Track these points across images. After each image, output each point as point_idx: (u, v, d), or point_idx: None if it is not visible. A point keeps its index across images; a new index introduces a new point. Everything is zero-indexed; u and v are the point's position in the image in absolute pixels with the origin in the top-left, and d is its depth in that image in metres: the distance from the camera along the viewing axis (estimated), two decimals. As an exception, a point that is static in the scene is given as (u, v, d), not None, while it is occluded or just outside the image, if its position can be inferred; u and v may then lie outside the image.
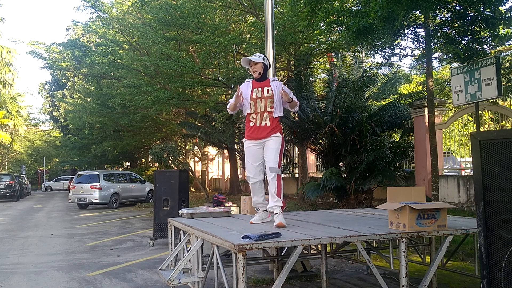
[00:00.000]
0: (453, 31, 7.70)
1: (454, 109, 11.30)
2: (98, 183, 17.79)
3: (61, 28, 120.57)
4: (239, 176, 21.84)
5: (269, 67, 4.52)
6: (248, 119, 4.33)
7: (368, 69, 12.01)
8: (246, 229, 3.65)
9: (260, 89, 4.26)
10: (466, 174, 10.21)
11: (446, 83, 14.36)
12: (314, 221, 4.32)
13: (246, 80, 4.50)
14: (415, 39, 8.46)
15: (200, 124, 18.10)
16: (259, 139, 4.23)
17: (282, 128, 4.49)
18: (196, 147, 26.75)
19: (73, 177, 44.55)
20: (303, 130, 11.48)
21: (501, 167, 2.18)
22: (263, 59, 4.35)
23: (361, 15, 7.01)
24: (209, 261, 3.94)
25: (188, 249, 4.21)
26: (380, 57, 10.75)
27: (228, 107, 4.46)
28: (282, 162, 4.37)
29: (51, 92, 42.89)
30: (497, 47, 8.48)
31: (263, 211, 4.37)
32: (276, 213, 4.05)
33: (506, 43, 7.74)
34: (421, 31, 8.38)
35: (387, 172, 9.47)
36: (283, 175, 16.74)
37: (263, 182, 4.39)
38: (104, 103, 20.89)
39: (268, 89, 4.24)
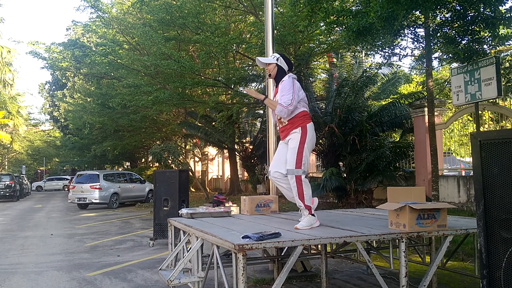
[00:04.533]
0: (453, 31, 7.70)
1: (454, 109, 11.31)
2: (98, 183, 17.78)
3: (61, 28, 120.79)
4: (239, 176, 21.84)
5: (289, 68, 4.19)
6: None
7: (368, 69, 12.02)
8: (246, 229, 3.65)
9: (274, 96, 4.21)
10: (466, 174, 10.21)
11: (446, 83, 14.36)
12: (314, 221, 4.31)
13: None
14: (415, 39, 8.46)
15: (200, 124, 18.11)
16: (283, 139, 4.12)
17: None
18: (196, 147, 26.76)
19: (68, 177, 44.44)
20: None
21: (501, 167, 2.18)
22: (277, 60, 4.14)
23: (361, 15, 7.01)
24: (209, 261, 3.94)
25: (188, 249, 4.21)
26: (380, 57, 10.77)
27: None
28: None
29: (51, 92, 42.91)
30: (497, 47, 8.48)
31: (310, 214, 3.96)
32: (302, 218, 3.89)
33: (506, 43, 7.74)
34: (421, 31, 8.39)
35: (387, 172, 9.48)
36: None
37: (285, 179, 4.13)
38: (104, 103, 20.89)
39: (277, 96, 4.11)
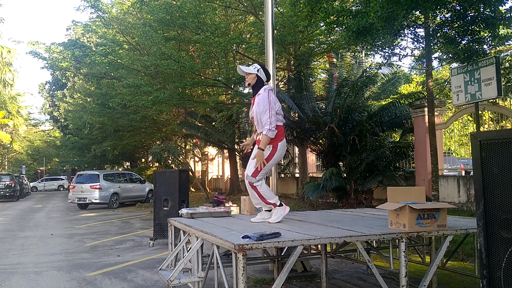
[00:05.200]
0: (453, 31, 7.70)
1: (454, 109, 11.30)
2: (98, 183, 17.78)
3: (61, 28, 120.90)
4: (239, 176, 21.84)
5: (267, 79, 4.34)
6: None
7: (368, 69, 12.02)
8: (246, 229, 3.65)
9: (252, 107, 4.32)
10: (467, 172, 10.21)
11: (446, 83, 14.36)
12: (314, 221, 4.32)
13: None
14: (415, 39, 8.46)
15: (200, 124, 18.11)
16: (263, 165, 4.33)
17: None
18: (196, 147, 26.76)
19: (64, 177, 44.31)
20: (303, 130, 11.49)
21: (501, 167, 2.18)
22: (258, 70, 4.24)
23: (361, 15, 7.01)
24: (209, 261, 3.94)
25: (188, 249, 4.21)
26: (380, 57, 10.77)
27: None
28: (281, 163, 4.27)
29: (51, 92, 42.88)
30: (497, 47, 8.49)
31: (265, 210, 4.37)
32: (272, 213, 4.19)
33: (506, 43, 7.74)
34: (421, 31, 8.39)
35: (387, 172, 9.47)
36: (282, 175, 16.84)
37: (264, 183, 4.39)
38: (104, 103, 20.89)
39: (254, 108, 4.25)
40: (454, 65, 8.67)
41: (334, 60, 14.40)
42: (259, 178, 4.18)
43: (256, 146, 4.36)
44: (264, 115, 4.09)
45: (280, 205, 4.22)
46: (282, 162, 16.25)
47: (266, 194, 4.19)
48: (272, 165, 4.26)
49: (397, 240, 3.56)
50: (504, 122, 9.67)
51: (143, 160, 35.46)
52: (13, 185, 24.87)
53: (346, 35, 7.50)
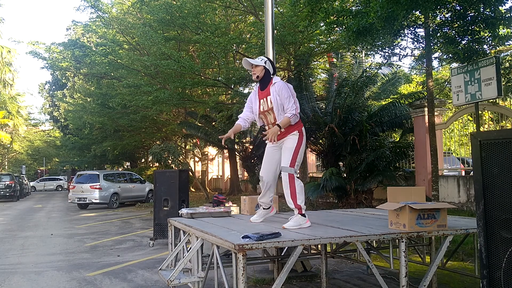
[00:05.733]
0: (453, 31, 7.70)
1: (454, 109, 11.30)
2: (98, 183, 17.78)
3: (61, 28, 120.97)
4: (239, 176, 21.84)
5: (273, 72, 4.22)
6: (264, 127, 4.31)
7: (368, 69, 12.01)
8: (246, 229, 3.65)
9: (264, 100, 4.14)
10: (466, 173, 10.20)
11: (446, 83, 14.36)
12: (314, 221, 4.31)
13: (254, 89, 4.37)
14: (415, 39, 8.46)
15: (200, 124, 18.11)
16: (275, 141, 4.11)
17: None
18: (196, 147, 26.76)
19: (62, 178, 44.32)
20: (303, 130, 11.46)
21: (501, 167, 2.18)
22: (265, 62, 4.16)
23: (361, 15, 7.01)
24: (209, 261, 3.94)
25: (188, 249, 4.21)
26: (380, 57, 10.77)
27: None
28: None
29: (51, 92, 42.85)
30: (497, 47, 8.48)
31: (264, 208, 4.36)
32: (291, 217, 3.93)
33: (506, 43, 7.74)
34: (421, 31, 8.39)
35: (387, 172, 9.47)
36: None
37: (275, 184, 4.30)
38: (104, 103, 20.90)
39: (270, 99, 4.07)
40: (454, 65, 8.67)
41: (334, 60, 14.39)
42: (297, 169, 3.99)
43: (269, 144, 4.19)
44: (289, 101, 3.99)
45: (304, 215, 3.90)
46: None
47: (300, 192, 3.93)
48: (303, 152, 4.05)
49: (397, 240, 3.56)
50: (504, 122, 9.67)
51: (143, 160, 35.46)
52: (13, 185, 24.88)
53: (346, 35, 7.50)
